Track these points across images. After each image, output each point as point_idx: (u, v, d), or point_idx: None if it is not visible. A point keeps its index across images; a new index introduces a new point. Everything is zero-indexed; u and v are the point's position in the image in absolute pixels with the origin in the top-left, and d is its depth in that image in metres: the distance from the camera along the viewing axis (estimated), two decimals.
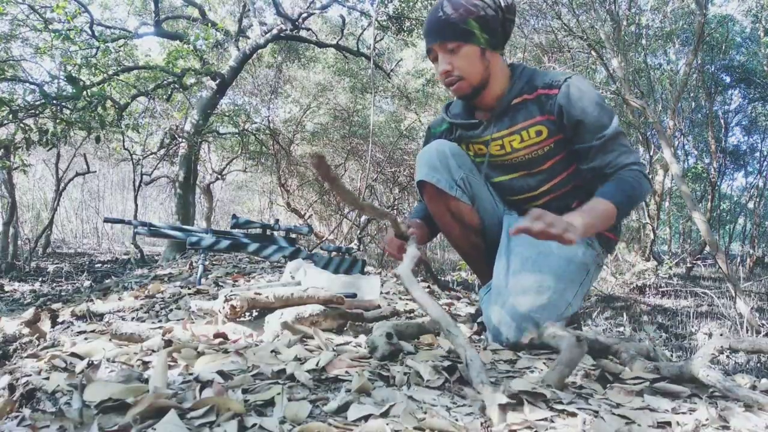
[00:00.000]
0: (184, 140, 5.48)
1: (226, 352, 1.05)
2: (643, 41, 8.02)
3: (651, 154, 8.31)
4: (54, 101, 3.90)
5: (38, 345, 1.31)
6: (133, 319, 1.62)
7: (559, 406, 0.83)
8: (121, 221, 2.43)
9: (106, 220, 2.35)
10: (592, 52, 6.64)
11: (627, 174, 1.30)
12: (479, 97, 1.43)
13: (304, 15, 6.28)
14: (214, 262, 3.28)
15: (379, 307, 1.66)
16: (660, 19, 7.80)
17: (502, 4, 1.34)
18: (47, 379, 0.87)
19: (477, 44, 1.34)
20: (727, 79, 10.22)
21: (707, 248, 6.72)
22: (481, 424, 0.76)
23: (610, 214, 1.23)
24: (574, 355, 0.95)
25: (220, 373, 0.90)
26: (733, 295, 4.33)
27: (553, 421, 0.77)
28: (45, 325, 1.47)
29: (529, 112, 1.38)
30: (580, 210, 1.22)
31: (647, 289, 6.60)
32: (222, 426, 0.69)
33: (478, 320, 1.54)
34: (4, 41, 4.37)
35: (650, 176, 1.37)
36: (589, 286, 1.47)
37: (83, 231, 10.82)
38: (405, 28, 6.37)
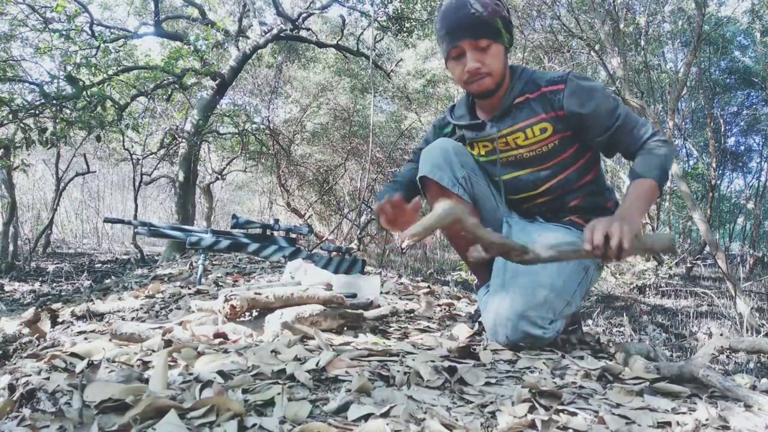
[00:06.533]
0: (184, 140, 5.48)
1: (226, 352, 1.05)
2: (642, 42, 8.01)
3: None
4: (54, 101, 3.89)
5: (38, 345, 1.31)
6: (133, 319, 1.62)
7: (560, 407, 0.83)
8: (121, 221, 2.43)
9: (106, 220, 2.36)
10: (592, 53, 6.64)
11: (652, 146, 1.35)
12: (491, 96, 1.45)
13: (304, 15, 6.29)
14: (214, 262, 3.28)
15: (379, 307, 1.66)
16: (659, 20, 7.79)
17: (508, 8, 1.40)
18: (47, 379, 0.87)
19: (503, 43, 1.38)
20: (727, 80, 10.21)
21: (707, 248, 6.72)
22: (481, 424, 0.76)
23: (653, 192, 1.28)
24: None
25: (220, 373, 0.90)
26: (733, 295, 4.33)
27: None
28: (45, 325, 1.47)
29: (533, 111, 1.40)
30: (628, 201, 1.25)
31: (647, 289, 6.59)
32: (222, 426, 0.69)
33: (478, 320, 1.54)
34: (4, 41, 4.36)
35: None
36: (589, 286, 1.47)
37: (83, 231, 10.81)
38: (405, 29, 6.37)
